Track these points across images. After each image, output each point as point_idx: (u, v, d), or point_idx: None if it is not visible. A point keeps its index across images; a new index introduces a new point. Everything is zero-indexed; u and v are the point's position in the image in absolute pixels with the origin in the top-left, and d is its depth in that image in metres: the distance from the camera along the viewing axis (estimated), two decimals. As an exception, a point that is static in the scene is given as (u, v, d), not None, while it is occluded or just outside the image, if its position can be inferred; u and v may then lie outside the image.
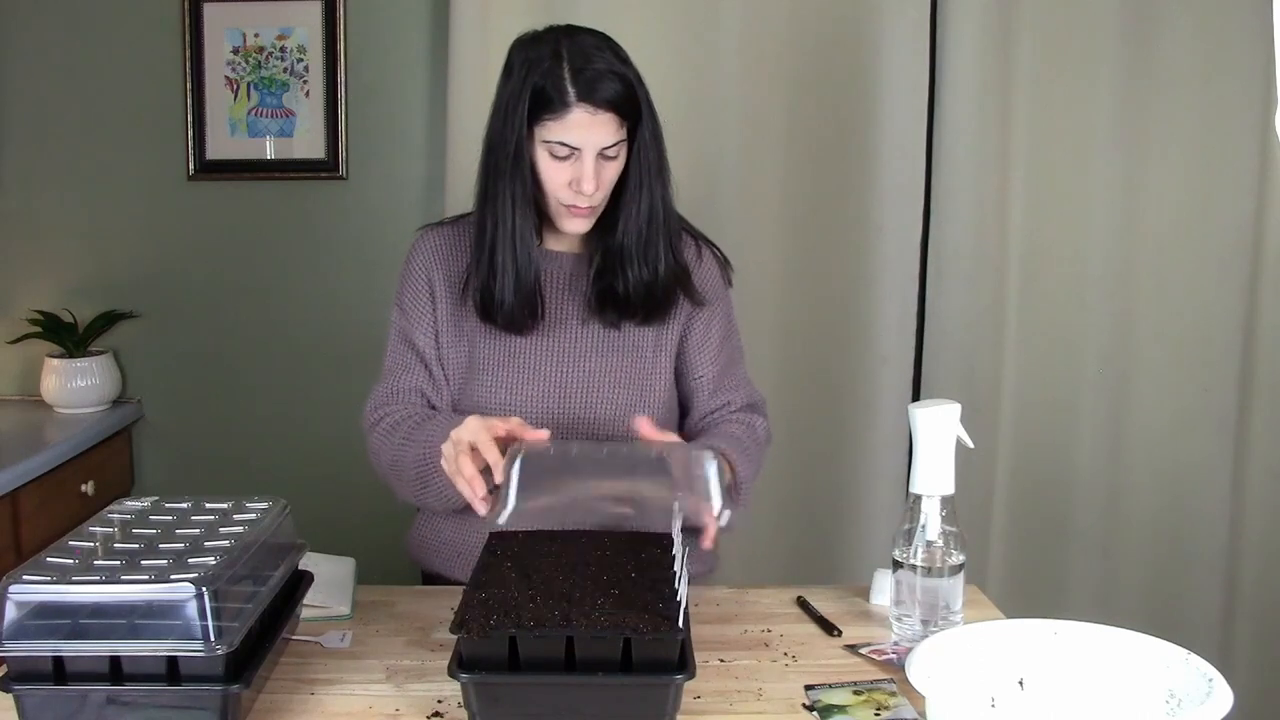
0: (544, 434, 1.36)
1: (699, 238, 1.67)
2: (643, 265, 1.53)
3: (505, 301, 1.52)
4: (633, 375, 1.59)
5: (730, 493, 1.47)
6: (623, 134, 1.46)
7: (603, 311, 1.57)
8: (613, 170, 1.48)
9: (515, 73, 1.46)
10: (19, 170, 2.72)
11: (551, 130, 1.43)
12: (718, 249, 1.69)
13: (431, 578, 1.69)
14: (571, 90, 1.41)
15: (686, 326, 1.62)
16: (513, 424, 1.37)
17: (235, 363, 2.77)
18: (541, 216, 1.53)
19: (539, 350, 1.57)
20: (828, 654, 1.39)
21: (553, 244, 1.60)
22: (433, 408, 1.59)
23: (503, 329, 1.56)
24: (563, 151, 1.44)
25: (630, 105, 1.45)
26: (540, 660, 1.13)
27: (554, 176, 1.47)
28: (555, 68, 1.42)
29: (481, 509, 1.32)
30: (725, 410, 1.65)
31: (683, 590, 1.16)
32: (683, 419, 1.69)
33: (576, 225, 1.52)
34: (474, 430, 1.35)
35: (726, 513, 1.27)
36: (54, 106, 2.70)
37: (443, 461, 1.38)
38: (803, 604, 1.54)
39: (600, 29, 1.51)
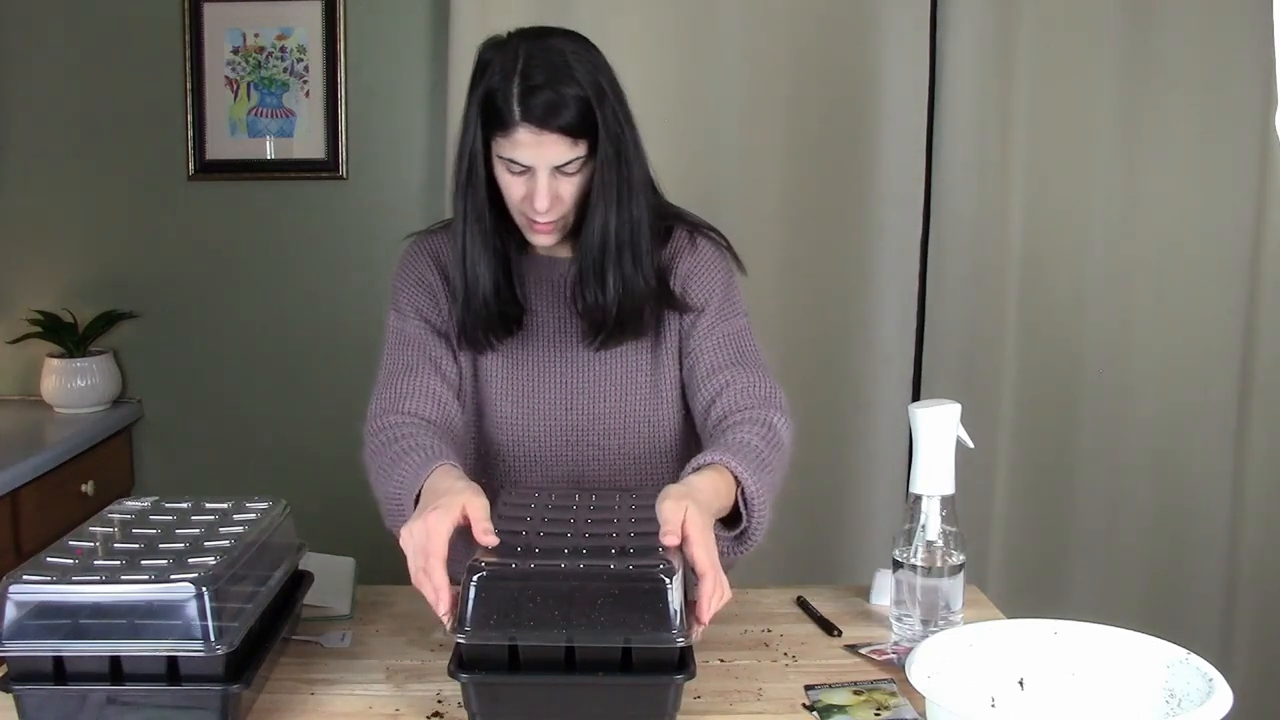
0: (493, 540, 1.18)
1: (695, 225, 1.59)
2: (597, 288, 1.47)
3: (457, 316, 1.50)
4: (639, 383, 1.57)
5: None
6: (579, 151, 1.39)
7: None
8: (571, 186, 1.42)
9: (475, 81, 1.42)
10: (19, 170, 2.72)
11: (502, 147, 1.39)
12: (716, 232, 1.61)
13: None
14: (517, 109, 1.36)
15: (686, 325, 1.55)
16: (475, 514, 1.19)
17: (235, 363, 2.77)
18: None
19: (541, 360, 1.55)
20: (828, 654, 1.39)
21: (547, 251, 1.55)
22: (437, 416, 1.49)
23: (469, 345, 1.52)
24: (516, 168, 1.40)
25: (583, 126, 1.38)
26: (540, 660, 1.13)
27: (512, 191, 1.43)
28: (505, 83, 1.37)
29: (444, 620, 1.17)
30: (737, 412, 1.47)
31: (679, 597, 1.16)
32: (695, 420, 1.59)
33: (541, 239, 1.48)
34: (419, 545, 1.17)
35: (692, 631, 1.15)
36: (54, 107, 2.70)
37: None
38: (803, 604, 1.54)
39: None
